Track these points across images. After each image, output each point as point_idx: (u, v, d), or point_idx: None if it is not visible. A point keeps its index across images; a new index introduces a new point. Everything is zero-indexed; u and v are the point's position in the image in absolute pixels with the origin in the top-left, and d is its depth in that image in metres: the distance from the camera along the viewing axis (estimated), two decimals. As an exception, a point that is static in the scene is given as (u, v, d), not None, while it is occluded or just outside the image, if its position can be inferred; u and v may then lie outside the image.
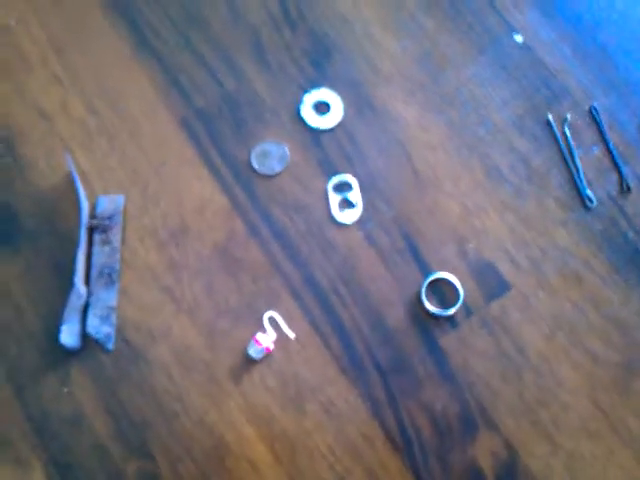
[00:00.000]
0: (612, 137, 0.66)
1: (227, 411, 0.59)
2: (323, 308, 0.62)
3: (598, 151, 0.66)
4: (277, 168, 0.65)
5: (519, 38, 0.69)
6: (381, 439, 0.59)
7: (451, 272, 0.62)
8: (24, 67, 0.68)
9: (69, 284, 0.60)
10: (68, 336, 0.59)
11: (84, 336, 0.60)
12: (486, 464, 0.58)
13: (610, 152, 0.66)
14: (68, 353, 0.60)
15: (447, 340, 0.61)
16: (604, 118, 0.66)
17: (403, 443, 0.58)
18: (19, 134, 0.66)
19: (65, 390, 0.59)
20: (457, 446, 0.58)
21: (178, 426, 0.59)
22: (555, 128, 0.66)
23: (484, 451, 0.58)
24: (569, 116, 0.66)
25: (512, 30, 0.69)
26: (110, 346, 0.60)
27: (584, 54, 0.68)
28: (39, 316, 0.61)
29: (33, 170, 0.65)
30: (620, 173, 0.65)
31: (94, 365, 0.60)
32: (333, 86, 0.67)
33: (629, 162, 0.65)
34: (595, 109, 0.67)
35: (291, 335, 0.60)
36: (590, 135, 0.66)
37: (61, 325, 0.59)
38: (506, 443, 0.58)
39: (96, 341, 0.60)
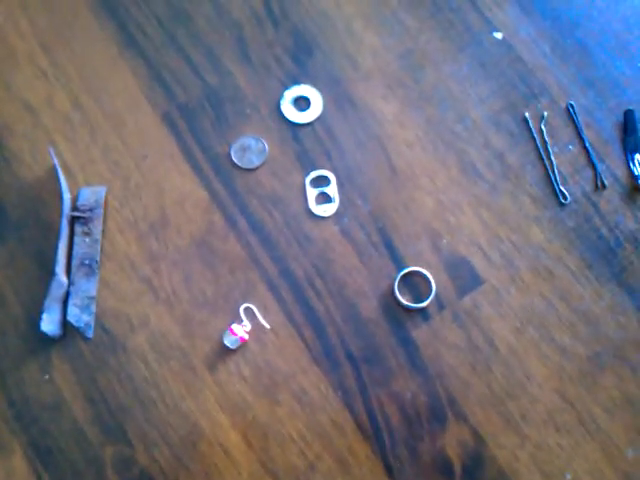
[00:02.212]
0: (588, 135, 0.67)
1: (202, 399, 0.61)
2: (298, 300, 0.63)
3: (574, 148, 0.66)
4: (256, 162, 0.66)
5: (499, 35, 0.70)
6: (351, 427, 0.60)
7: (425, 266, 0.63)
8: (11, 62, 0.69)
9: (51, 274, 0.61)
10: (49, 324, 0.61)
11: (65, 324, 0.62)
12: (454, 453, 0.59)
13: (586, 150, 0.66)
14: (49, 340, 0.62)
15: (419, 332, 0.62)
16: (581, 116, 0.67)
17: (373, 431, 0.60)
18: (4, 127, 0.68)
19: (46, 376, 0.61)
20: (426, 435, 0.60)
21: (154, 412, 0.60)
22: (532, 125, 0.67)
23: (452, 441, 0.59)
24: (546, 113, 0.67)
25: (492, 27, 0.70)
26: (90, 334, 0.62)
27: (563, 52, 0.69)
28: (21, 304, 0.63)
29: (18, 162, 0.66)
30: (595, 170, 0.66)
31: (74, 353, 0.62)
32: (313, 82, 0.69)
33: (604, 160, 0.66)
34: (572, 106, 0.67)
35: (266, 326, 0.62)
36: (566, 132, 0.67)
37: (42, 313, 0.60)
38: (474, 433, 0.60)
39: (76, 329, 0.62)
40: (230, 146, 0.67)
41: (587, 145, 0.66)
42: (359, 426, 0.60)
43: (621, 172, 0.66)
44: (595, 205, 0.65)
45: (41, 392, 0.61)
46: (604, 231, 0.64)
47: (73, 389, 0.61)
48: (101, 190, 0.65)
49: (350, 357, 0.62)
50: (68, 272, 0.63)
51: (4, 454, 0.59)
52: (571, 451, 0.59)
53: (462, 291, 0.63)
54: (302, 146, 0.67)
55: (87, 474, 0.59)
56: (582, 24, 0.70)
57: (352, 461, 0.59)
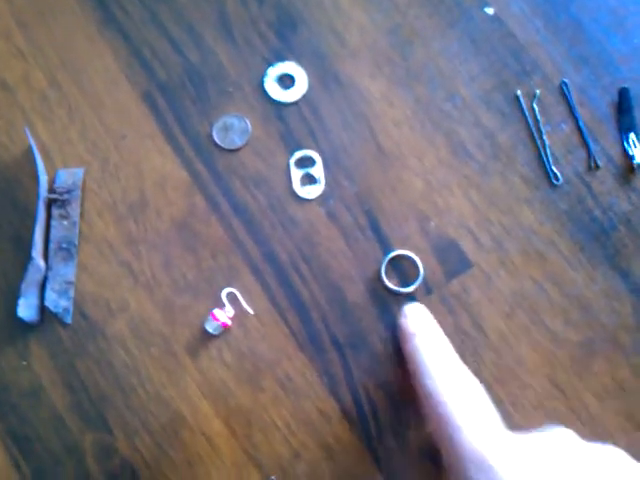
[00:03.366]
0: (582, 114, 0.65)
1: (184, 385, 0.59)
2: (282, 284, 0.61)
3: (567, 128, 0.64)
4: (239, 142, 0.64)
5: (490, 11, 0.67)
6: (337, 414, 0.59)
7: (412, 249, 0.62)
8: (-15, 39, 0.67)
9: (27, 257, 0.60)
10: (26, 310, 0.59)
11: (42, 310, 0.60)
12: (442, 441, 0.58)
13: (579, 129, 0.64)
14: (26, 326, 0.60)
15: (406, 317, 0.60)
16: (574, 94, 0.65)
17: (359, 419, 0.59)
18: (-21, 106, 0.66)
19: (24, 363, 0.60)
20: (413, 423, 0.58)
21: (135, 399, 0.59)
22: (523, 104, 0.65)
23: (440, 428, 0.58)
24: (538, 92, 0.65)
25: (483, 3, 0.68)
26: (68, 320, 0.60)
27: (556, 28, 0.67)
28: (-3, 289, 0.61)
29: (-6, 143, 0.65)
30: (589, 150, 0.64)
31: (52, 338, 0.60)
32: (298, 59, 0.66)
33: (598, 140, 0.64)
34: (565, 84, 0.65)
35: (249, 311, 0.60)
36: (559, 111, 0.65)
37: (19, 298, 0.59)
38: (462, 421, 0.58)
39: (54, 315, 0.60)
40: (212, 125, 0.65)
41: (580, 124, 0.64)
42: (345, 413, 0.59)
43: (615, 152, 0.64)
44: (588, 186, 0.63)
45: (19, 379, 0.60)
46: (597, 213, 0.62)
47: (52, 376, 0.60)
48: (79, 172, 0.63)
49: (336, 343, 0.60)
50: (45, 256, 0.61)
51: (-20, 443, 0.58)
52: (561, 438, 0.58)
53: (450, 275, 0.61)
54: (286, 125, 0.65)
55: (67, 462, 0.58)
56: (576, -1, 0.68)
57: (337, 449, 0.58)
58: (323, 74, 0.66)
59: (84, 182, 0.63)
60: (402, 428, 0.58)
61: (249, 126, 0.64)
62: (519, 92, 0.65)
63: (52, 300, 0.60)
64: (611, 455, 0.45)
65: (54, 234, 0.62)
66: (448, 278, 0.61)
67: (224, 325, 0.59)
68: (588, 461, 0.44)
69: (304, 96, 0.65)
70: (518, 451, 0.45)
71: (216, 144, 0.64)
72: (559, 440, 0.46)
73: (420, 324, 0.55)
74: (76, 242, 0.61)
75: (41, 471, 0.58)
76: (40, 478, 0.58)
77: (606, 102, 0.65)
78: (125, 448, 0.58)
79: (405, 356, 0.55)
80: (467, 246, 0.62)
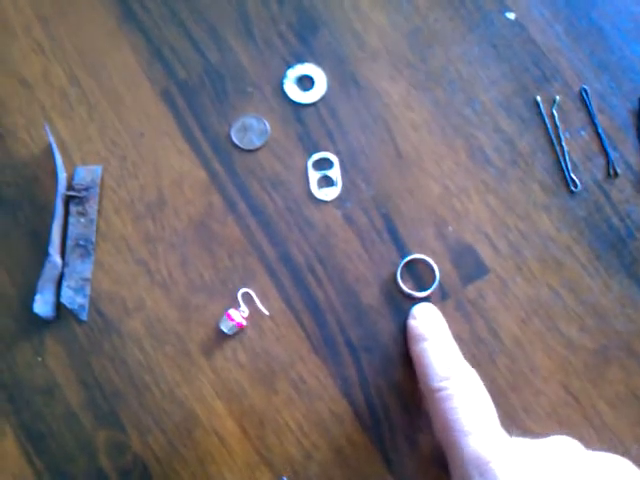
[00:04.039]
0: (601, 121, 0.64)
1: (198, 385, 0.59)
2: (298, 286, 0.61)
3: (586, 134, 0.64)
4: (257, 143, 0.64)
5: (511, 15, 0.67)
6: (350, 417, 0.59)
7: (429, 254, 0.61)
8: (6, 34, 0.67)
9: (45, 254, 0.60)
10: (42, 306, 0.59)
11: (58, 306, 0.61)
12: (455, 446, 0.58)
13: (599, 136, 0.64)
14: (42, 323, 0.60)
15: (421, 322, 0.60)
16: (594, 101, 0.65)
17: (372, 422, 0.59)
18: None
19: (38, 359, 0.60)
20: (426, 427, 0.58)
21: (149, 397, 0.59)
22: (543, 110, 0.65)
23: (453, 433, 0.58)
24: (558, 98, 0.65)
25: (504, 7, 0.67)
26: (84, 317, 0.60)
27: (577, 33, 0.67)
28: (14, 285, 0.61)
29: (13, 139, 0.65)
30: (608, 158, 0.64)
31: (68, 335, 0.60)
32: (318, 61, 0.66)
33: (618, 147, 0.64)
34: (585, 91, 0.65)
35: (265, 312, 0.60)
36: (579, 118, 0.65)
37: (35, 295, 0.59)
38: (475, 426, 0.58)
39: (70, 312, 0.60)
40: (230, 126, 0.65)
41: (600, 131, 0.64)
42: (358, 416, 0.59)
43: (634, 160, 0.63)
44: (606, 194, 0.63)
45: (34, 375, 0.60)
46: (615, 221, 0.62)
47: (66, 372, 0.60)
48: (97, 169, 0.63)
49: (350, 345, 0.60)
50: (62, 253, 0.61)
51: (-5, 437, 0.59)
52: (574, 446, 0.58)
53: (466, 280, 0.61)
54: (305, 127, 0.65)
55: (80, 459, 0.58)
56: (598, 5, 0.67)
57: (350, 451, 0.58)
58: (342, 76, 0.66)
59: (102, 180, 0.63)
60: (415, 431, 0.58)
61: (268, 127, 0.64)
62: (539, 98, 0.65)
63: (68, 297, 0.60)
64: (614, 464, 0.45)
65: (71, 231, 0.62)
66: (464, 283, 0.61)
67: (239, 325, 0.59)
68: (589, 469, 0.44)
69: (323, 98, 0.65)
70: (520, 456, 0.45)
71: (234, 144, 0.64)
72: (562, 447, 0.46)
73: (429, 327, 0.55)
74: (93, 239, 0.61)
75: (54, 466, 0.58)
76: (53, 473, 0.58)
77: (626, 109, 0.65)
78: (138, 445, 0.59)
79: (412, 358, 0.55)
80: (484, 252, 0.62)
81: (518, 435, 0.48)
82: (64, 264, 0.61)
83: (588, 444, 0.57)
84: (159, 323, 0.60)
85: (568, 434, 0.49)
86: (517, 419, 0.58)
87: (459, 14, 0.68)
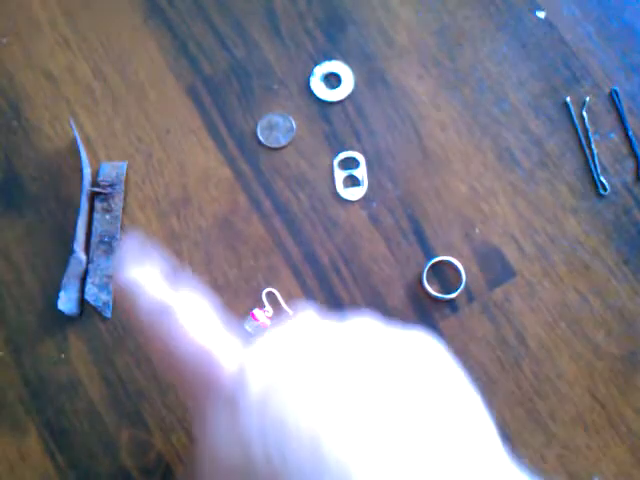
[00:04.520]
0: (632, 123, 0.63)
1: (221, 384, 0.59)
2: (322, 286, 0.61)
3: (616, 137, 0.63)
4: (283, 141, 0.63)
5: (541, 14, 0.66)
6: (374, 420, 0.58)
7: (455, 256, 0.61)
8: (33, 29, 0.67)
9: (69, 250, 0.60)
10: (66, 302, 0.59)
11: (82, 303, 0.60)
12: (478, 451, 0.57)
13: (628, 139, 0.63)
14: (66, 319, 0.60)
15: (447, 324, 0.60)
16: (625, 103, 0.64)
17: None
18: (24, 96, 0.65)
19: (62, 356, 0.60)
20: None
21: (172, 396, 0.59)
22: (572, 111, 0.64)
23: (477, 437, 0.58)
24: (588, 99, 0.64)
25: (534, 5, 0.66)
26: (108, 314, 0.60)
27: (608, 34, 0.66)
28: (39, 281, 0.61)
29: (38, 134, 0.64)
30: (637, 161, 0.63)
31: (92, 332, 0.60)
32: (345, 58, 0.66)
33: (648, 150, 0.63)
34: (616, 93, 0.64)
35: (289, 311, 0.60)
36: (609, 120, 0.64)
37: (60, 291, 0.59)
38: (500, 431, 0.57)
39: (94, 309, 0.60)
40: (256, 123, 0.64)
41: (630, 134, 0.63)
42: (381, 419, 0.58)
43: (665, 164, 0.63)
44: (635, 197, 0.62)
45: (57, 372, 0.60)
46: (644, 225, 0.61)
47: (90, 370, 0.60)
48: (122, 165, 0.63)
49: (374, 347, 0.60)
50: (87, 249, 0.61)
51: (19, 434, 0.58)
52: (599, 453, 0.57)
53: (493, 283, 0.61)
54: (331, 125, 0.64)
55: (102, 457, 0.58)
56: (631, 5, 0.66)
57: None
58: (369, 74, 0.65)
59: (127, 176, 0.63)
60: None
61: (294, 125, 0.64)
62: (568, 99, 0.64)
63: (92, 294, 0.60)
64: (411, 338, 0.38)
65: (96, 227, 0.61)
66: (491, 286, 0.60)
67: (263, 325, 0.59)
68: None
69: (350, 96, 0.65)
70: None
71: (260, 142, 0.63)
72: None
73: None
74: (118, 236, 0.61)
75: (77, 464, 0.58)
76: (75, 470, 0.58)
77: (657, 112, 0.64)
78: (161, 444, 0.58)
79: None
80: (511, 254, 0.61)
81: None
82: (88, 261, 0.61)
83: (613, 451, 0.57)
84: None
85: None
86: (542, 424, 0.58)
87: (488, 12, 0.67)
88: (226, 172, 0.63)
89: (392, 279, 0.61)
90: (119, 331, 0.60)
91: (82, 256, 0.60)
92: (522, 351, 0.59)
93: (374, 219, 0.62)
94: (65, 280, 0.59)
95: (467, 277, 0.60)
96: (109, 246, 0.61)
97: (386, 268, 0.61)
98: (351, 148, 0.63)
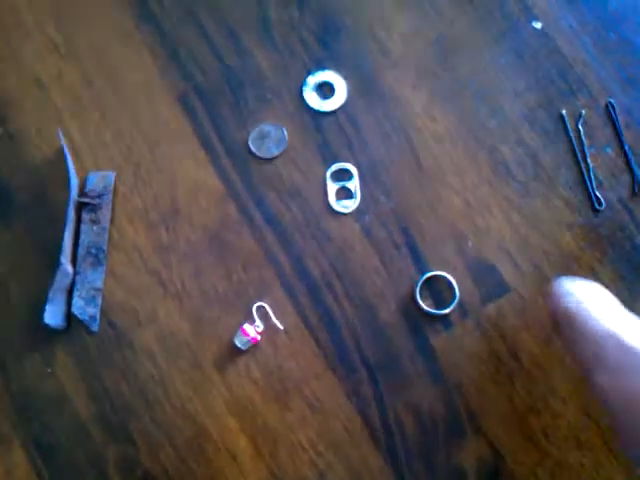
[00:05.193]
0: (628, 137, 0.63)
1: (210, 400, 0.58)
2: (314, 300, 0.60)
3: (612, 151, 0.62)
4: (275, 151, 0.62)
5: (538, 25, 0.65)
6: (365, 436, 0.58)
7: (449, 270, 0.60)
8: (21, 33, 0.65)
9: (56, 262, 0.58)
10: (53, 316, 0.58)
11: (69, 316, 0.59)
12: (470, 468, 0.57)
13: (624, 153, 0.62)
14: (53, 332, 0.59)
15: (439, 340, 0.59)
16: (621, 116, 0.63)
17: (387, 442, 0.58)
18: (13, 101, 0.64)
19: (48, 370, 0.59)
20: (442, 447, 0.57)
21: (160, 412, 0.58)
22: (568, 124, 0.63)
23: (469, 455, 0.57)
24: (584, 112, 0.63)
25: (531, 16, 0.65)
26: (95, 328, 0.59)
27: (605, 46, 0.65)
28: (25, 293, 0.60)
29: (25, 142, 0.63)
30: (633, 175, 0.62)
31: (79, 346, 0.59)
32: (339, 67, 0.64)
33: (644, 164, 0.62)
34: (612, 105, 0.63)
35: (279, 327, 0.59)
36: (604, 133, 0.63)
37: (46, 305, 0.58)
38: (492, 448, 0.57)
39: (81, 322, 0.59)
40: (248, 133, 0.63)
41: (626, 148, 0.62)
42: (373, 435, 0.58)
43: (661, 178, 0.62)
44: (631, 212, 0.61)
45: (43, 386, 0.59)
46: (639, 241, 0.61)
47: (76, 384, 0.59)
48: (110, 175, 0.61)
49: (366, 363, 0.59)
50: (74, 261, 0.60)
51: (4, 449, 0.58)
52: (592, 470, 0.57)
53: (486, 298, 0.60)
54: (324, 136, 0.63)
55: (89, 473, 0.57)
56: (628, 18, 0.65)
57: (364, 472, 0.57)
58: (363, 84, 0.64)
59: (115, 186, 0.62)
60: (431, 453, 0.57)
61: (286, 135, 0.63)
62: (564, 111, 0.63)
63: (79, 307, 0.59)
64: None
65: (83, 239, 0.60)
66: (484, 302, 0.60)
67: (254, 340, 0.58)
68: None
69: (343, 106, 0.64)
70: None
71: (252, 152, 0.62)
72: None
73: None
74: (105, 248, 0.60)
75: (62, 479, 0.57)
76: (60, 486, 0.57)
77: (653, 126, 0.63)
78: (148, 461, 0.57)
79: (563, 321, 0.51)
80: (505, 269, 0.60)
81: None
82: (75, 273, 0.60)
83: (606, 469, 0.56)
84: (171, 336, 0.59)
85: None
86: (535, 442, 0.57)
87: (485, 22, 0.66)
88: (216, 183, 0.62)
89: (385, 294, 0.60)
90: (106, 345, 0.59)
91: (69, 268, 0.59)
92: (515, 367, 0.58)
93: (367, 232, 0.61)
94: (52, 293, 0.58)
95: (460, 292, 0.59)
96: (96, 258, 0.60)
97: (379, 282, 0.60)
98: (344, 159, 0.62)
